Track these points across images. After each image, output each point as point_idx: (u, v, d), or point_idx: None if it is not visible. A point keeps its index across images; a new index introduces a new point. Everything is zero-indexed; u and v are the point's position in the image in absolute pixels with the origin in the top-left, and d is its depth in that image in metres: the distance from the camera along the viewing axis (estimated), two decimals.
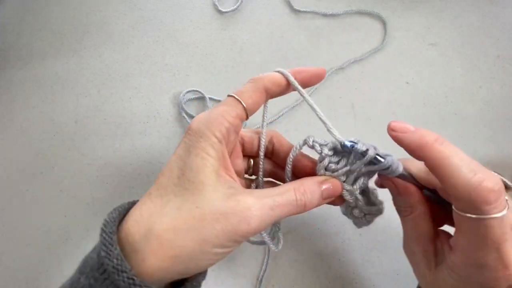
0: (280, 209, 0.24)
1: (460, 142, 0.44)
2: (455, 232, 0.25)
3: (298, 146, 0.28)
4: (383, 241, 0.39)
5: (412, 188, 0.27)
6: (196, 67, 0.50)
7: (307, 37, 0.52)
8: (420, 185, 0.27)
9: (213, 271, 0.38)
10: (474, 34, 0.52)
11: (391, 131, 0.25)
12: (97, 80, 0.49)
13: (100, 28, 0.54)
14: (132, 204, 0.26)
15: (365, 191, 0.28)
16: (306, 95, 0.28)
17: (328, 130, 0.27)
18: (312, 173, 0.28)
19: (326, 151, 0.27)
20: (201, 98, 0.48)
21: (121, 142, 0.45)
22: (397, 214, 0.41)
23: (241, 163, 0.31)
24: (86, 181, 0.43)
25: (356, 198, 0.28)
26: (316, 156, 0.28)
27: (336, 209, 0.41)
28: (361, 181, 0.27)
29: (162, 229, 0.23)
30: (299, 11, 0.54)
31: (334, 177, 0.27)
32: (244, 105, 0.26)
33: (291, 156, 0.28)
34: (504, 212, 0.21)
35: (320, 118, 0.27)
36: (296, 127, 0.46)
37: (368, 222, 0.31)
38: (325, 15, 0.54)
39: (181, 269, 0.23)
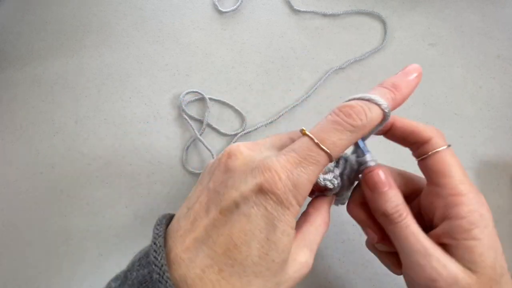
0: (318, 245, 0.26)
1: (460, 142, 0.44)
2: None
3: None
4: None
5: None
6: (196, 67, 0.50)
7: (307, 37, 0.52)
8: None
9: None
10: (474, 34, 0.52)
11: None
12: (97, 80, 0.49)
13: (100, 28, 0.54)
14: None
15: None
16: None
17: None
18: None
19: (329, 179, 0.27)
20: (201, 99, 0.48)
21: (121, 142, 0.45)
22: None
23: None
24: (86, 181, 0.43)
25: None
26: None
27: (336, 209, 0.41)
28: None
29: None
30: (299, 11, 0.54)
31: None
32: (331, 155, 0.22)
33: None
34: (446, 146, 0.26)
35: None
36: (296, 127, 0.46)
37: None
38: (325, 15, 0.54)
39: None
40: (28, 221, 0.41)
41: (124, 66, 0.50)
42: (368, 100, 0.23)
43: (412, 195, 0.29)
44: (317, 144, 0.21)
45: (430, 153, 0.26)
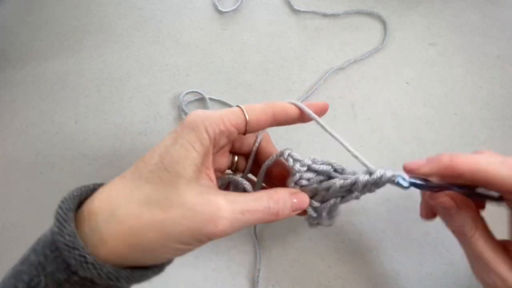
0: (251, 214, 0.24)
1: (460, 142, 0.44)
2: None
3: (274, 157, 0.29)
4: (383, 241, 0.39)
5: (468, 199, 0.26)
6: (196, 67, 0.50)
7: (307, 37, 0.52)
8: (447, 186, 0.26)
9: (213, 271, 0.38)
10: (474, 34, 0.52)
11: (408, 172, 0.26)
12: (97, 80, 0.49)
13: (100, 28, 0.54)
14: (99, 185, 0.26)
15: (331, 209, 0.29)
16: (321, 122, 0.29)
17: (362, 163, 0.27)
18: (283, 181, 0.29)
19: (297, 166, 0.28)
20: (201, 99, 0.48)
21: (121, 142, 0.45)
22: (395, 214, 0.41)
23: (226, 161, 0.31)
24: (86, 181, 0.43)
25: (319, 216, 0.29)
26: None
27: None
28: (331, 201, 0.28)
29: (126, 214, 0.22)
30: (299, 11, 0.54)
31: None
32: (247, 118, 0.26)
33: (265, 164, 0.29)
34: None
35: (347, 149, 0.27)
36: (296, 127, 0.46)
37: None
38: (325, 15, 0.54)
39: (137, 258, 0.23)
40: (28, 221, 0.41)
41: (124, 66, 0.50)
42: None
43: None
44: (238, 106, 0.26)
45: None
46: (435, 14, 0.54)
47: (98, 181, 0.43)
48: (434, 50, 0.51)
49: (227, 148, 0.30)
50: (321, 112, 0.30)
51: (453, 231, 0.26)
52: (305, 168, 0.28)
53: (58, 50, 0.52)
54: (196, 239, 0.23)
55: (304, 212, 0.29)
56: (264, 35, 0.53)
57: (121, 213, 0.22)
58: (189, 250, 0.24)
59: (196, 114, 0.25)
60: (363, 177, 0.26)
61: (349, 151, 0.27)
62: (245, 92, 0.48)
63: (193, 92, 0.48)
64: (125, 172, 0.25)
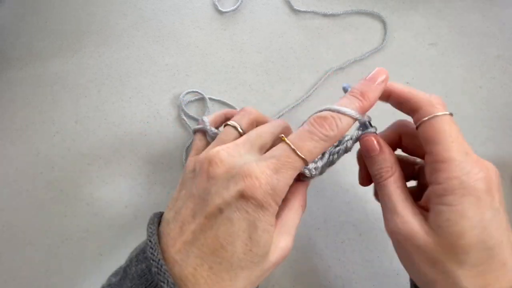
0: (296, 227, 0.27)
1: None
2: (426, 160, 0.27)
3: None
4: (383, 241, 0.39)
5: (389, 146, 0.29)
6: (196, 67, 0.50)
7: (307, 37, 0.52)
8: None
9: None
10: (474, 34, 0.52)
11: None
12: (97, 80, 0.49)
13: (100, 28, 0.54)
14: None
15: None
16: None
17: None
18: None
19: None
20: (201, 99, 0.48)
21: (121, 142, 0.45)
22: None
23: None
24: (86, 181, 0.43)
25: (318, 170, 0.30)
26: None
27: (336, 209, 0.41)
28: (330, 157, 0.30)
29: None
30: (299, 11, 0.54)
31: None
32: (301, 155, 0.24)
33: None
34: (447, 112, 0.26)
35: None
36: (297, 127, 0.46)
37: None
38: (325, 15, 0.54)
39: None
40: (28, 221, 0.41)
41: (124, 66, 0.50)
42: (337, 111, 0.25)
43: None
44: (294, 151, 0.24)
45: (423, 119, 0.26)
46: (435, 14, 0.54)
47: (98, 182, 0.43)
48: (434, 50, 0.51)
49: None
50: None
51: (373, 176, 0.28)
52: None
53: (58, 50, 0.52)
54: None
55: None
56: (264, 35, 0.53)
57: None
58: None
59: (264, 189, 0.23)
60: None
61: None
62: (245, 92, 0.48)
63: (193, 92, 0.48)
64: (207, 261, 0.23)
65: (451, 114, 0.26)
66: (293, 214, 0.27)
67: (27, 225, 0.41)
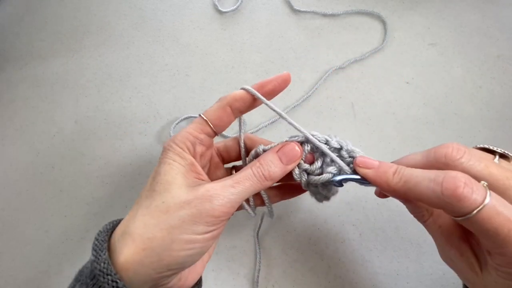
0: (241, 184, 0.27)
1: (460, 142, 0.44)
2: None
3: (252, 154, 0.31)
4: (383, 241, 0.39)
5: None
6: (196, 67, 0.50)
7: (307, 37, 0.52)
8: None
9: (213, 271, 0.38)
10: (474, 34, 0.52)
11: (357, 166, 0.28)
12: (97, 80, 0.49)
13: (100, 28, 0.54)
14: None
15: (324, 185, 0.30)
16: (271, 105, 0.30)
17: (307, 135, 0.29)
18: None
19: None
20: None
21: (121, 142, 0.45)
22: (395, 214, 0.41)
23: (222, 173, 0.34)
24: (86, 181, 0.43)
25: (307, 182, 0.30)
26: None
27: (336, 209, 0.41)
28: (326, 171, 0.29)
29: (134, 226, 0.25)
30: (299, 11, 0.54)
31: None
32: (209, 123, 0.29)
33: (248, 160, 0.32)
34: (487, 199, 0.20)
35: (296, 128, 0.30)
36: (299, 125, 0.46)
37: (325, 198, 0.33)
38: (325, 15, 0.54)
39: (155, 261, 0.24)
40: (28, 221, 0.41)
41: (124, 66, 0.50)
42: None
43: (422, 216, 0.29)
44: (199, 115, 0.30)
45: (467, 216, 0.21)
46: (435, 14, 0.54)
47: (98, 182, 0.43)
48: (434, 50, 0.51)
49: (216, 160, 0.33)
50: (283, 83, 0.31)
51: (414, 216, 0.28)
52: None
53: (58, 50, 0.52)
54: (200, 223, 0.25)
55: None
56: (264, 35, 0.53)
57: (130, 227, 0.25)
58: (205, 239, 0.26)
59: (168, 139, 0.30)
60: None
61: (298, 129, 0.29)
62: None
63: (186, 118, 0.46)
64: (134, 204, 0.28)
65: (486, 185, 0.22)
66: (234, 174, 0.28)
67: (27, 225, 0.41)
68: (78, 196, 0.42)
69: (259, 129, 0.45)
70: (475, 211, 0.20)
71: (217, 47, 0.52)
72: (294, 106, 0.46)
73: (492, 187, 0.22)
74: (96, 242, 0.25)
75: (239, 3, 0.54)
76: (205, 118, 0.29)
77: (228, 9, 0.54)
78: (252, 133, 0.45)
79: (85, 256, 0.39)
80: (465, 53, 0.50)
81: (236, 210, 0.31)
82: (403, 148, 0.43)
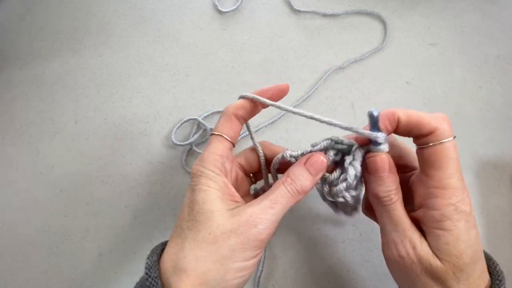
0: (278, 204, 0.27)
1: (460, 142, 0.44)
2: (418, 185, 0.27)
3: (277, 159, 0.31)
4: None
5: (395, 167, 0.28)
6: (196, 67, 0.50)
7: (307, 37, 0.52)
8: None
9: None
10: (474, 34, 0.52)
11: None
12: (97, 80, 0.49)
13: (100, 28, 0.54)
14: (164, 244, 0.28)
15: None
16: (278, 104, 0.30)
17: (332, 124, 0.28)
18: None
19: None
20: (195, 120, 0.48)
21: (121, 142, 0.45)
22: None
23: (247, 185, 0.34)
24: (86, 181, 0.43)
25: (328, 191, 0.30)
26: None
27: None
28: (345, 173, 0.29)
29: (185, 261, 0.25)
30: (299, 11, 0.54)
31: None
32: (225, 137, 0.30)
33: (272, 167, 0.32)
34: (450, 138, 0.26)
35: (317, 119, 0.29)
36: (296, 127, 0.46)
37: (349, 212, 0.33)
38: (325, 15, 0.54)
39: None
40: (28, 221, 0.41)
41: (124, 66, 0.50)
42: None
43: (405, 168, 0.31)
44: (213, 134, 0.31)
45: (431, 144, 0.26)
46: (435, 14, 0.54)
47: (98, 182, 0.43)
48: (434, 50, 0.51)
49: (241, 175, 0.33)
50: (282, 93, 0.32)
51: (380, 197, 0.28)
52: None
53: (58, 50, 0.52)
54: (249, 249, 0.26)
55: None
56: (264, 35, 0.53)
57: (182, 262, 0.25)
58: (253, 264, 0.27)
59: (196, 164, 0.29)
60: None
61: (335, 124, 0.28)
62: (245, 92, 0.48)
63: (186, 121, 0.46)
64: (172, 234, 0.28)
65: (454, 137, 0.26)
66: (267, 192, 0.28)
67: (27, 225, 0.41)
68: (78, 196, 0.42)
69: (259, 129, 0.45)
70: (449, 139, 0.25)
71: (217, 47, 0.52)
72: (294, 106, 0.46)
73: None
74: (150, 280, 0.25)
75: (239, 3, 0.54)
76: (219, 134, 0.30)
77: (228, 9, 0.54)
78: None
79: (85, 256, 0.39)
80: (465, 53, 0.50)
81: None
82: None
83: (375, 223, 0.40)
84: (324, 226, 0.40)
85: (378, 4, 0.54)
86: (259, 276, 0.37)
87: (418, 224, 0.27)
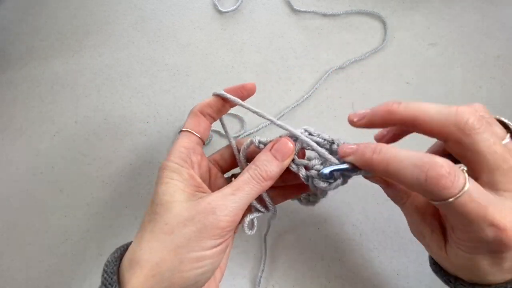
0: (241, 190, 0.26)
1: None
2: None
3: (245, 146, 0.31)
4: (383, 241, 0.39)
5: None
6: (196, 67, 0.50)
7: (307, 37, 0.52)
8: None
9: None
10: (474, 34, 0.52)
11: (339, 155, 0.28)
12: (97, 80, 0.49)
13: (100, 28, 0.54)
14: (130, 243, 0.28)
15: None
16: (244, 104, 0.31)
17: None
18: None
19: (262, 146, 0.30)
20: None
21: (121, 142, 0.45)
22: (395, 214, 0.41)
23: (223, 183, 0.33)
24: (86, 181, 0.43)
25: (307, 175, 0.29)
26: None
27: (336, 209, 0.41)
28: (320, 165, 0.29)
29: (140, 253, 0.25)
30: (299, 11, 0.54)
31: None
32: (192, 131, 0.30)
33: (241, 151, 0.31)
34: (466, 187, 0.21)
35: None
36: (296, 127, 0.46)
37: (312, 202, 0.34)
38: (325, 15, 0.54)
39: (166, 287, 0.24)
40: (28, 221, 0.41)
41: (124, 66, 0.50)
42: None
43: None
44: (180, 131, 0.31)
45: (445, 202, 0.22)
46: (435, 14, 0.54)
47: (98, 182, 0.43)
48: (434, 50, 0.51)
49: (215, 171, 0.33)
50: (247, 92, 0.33)
51: (392, 200, 0.30)
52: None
53: (58, 50, 0.52)
54: (207, 237, 0.24)
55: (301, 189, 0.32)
56: (264, 35, 0.53)
57: (137, 254, 0.25)
58: (214, 254, 0.25)
59: (163, 161, 0.29)
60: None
61: (276, 124, 0.29)
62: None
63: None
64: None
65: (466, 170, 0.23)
66: (232, 181, 0.28)
67: (27, 225, 0.41)
68: (78, 196, 0.42)
69: (259, 129, 0.45)
70: (452, 199, 0.21)
71: (217, 47, 0.52)
72: (294, 106, 0.46)
73: (487, 165, 0.23)
74: (106, 276, 0.24)
75: (239, 3, 0.54)
76: (186, 129, 0.30)
77: (228, 9, 0.54)
78: (252, 133, 0.45)
79: (85, 256, 0.39)
80: (465, 53, 0.50)
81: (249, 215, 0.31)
82: (403, 148, 0.43)
83: (375, 223, 0.40)
84: (324, 226, 0.40)
85: (378, 4, 0.54)
86: (260, 276, 0.37)
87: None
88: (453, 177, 0.21)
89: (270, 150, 0.28)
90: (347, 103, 0.47)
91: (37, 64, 0.51)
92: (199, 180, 0.29)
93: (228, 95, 0.31)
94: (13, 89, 0.49)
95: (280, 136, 0.30)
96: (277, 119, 0.45)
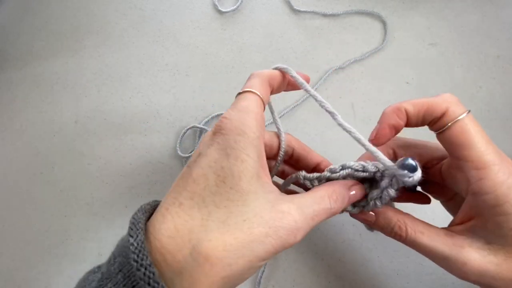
0: (318, 218, 0.24)
1: None
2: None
3: (291, 178, 0.29)
4: (383, 241, 0.39)
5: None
6: (196, 67, 0.50)
7: (307, 37, 0.52)
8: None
9: None
10: (474, 34, 0.52)
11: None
12: (97, 80, 0.49)
13: (100, 28, 0.54)
14: (157, 205, 0.23)
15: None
16: (311, 90, 0.27)
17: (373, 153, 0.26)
18: None
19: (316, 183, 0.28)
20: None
21: (121, 142, 0.45)
22: None
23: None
24: (86, 181, 0.43)
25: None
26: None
27: None
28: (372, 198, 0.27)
29: (210, 247, 0.20)
30: (299, 11, 0.54)
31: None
32: (261, 97, 0.25)
33: (285, 182, 0.30)
34: (463, 115, 0.24)
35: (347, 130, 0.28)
36: (296, 127, 0.46)
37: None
38: (325, 15, 0.54)
39: None
40: (28, 221, 0.41)
41: (124, 66, 0.50)
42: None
43: (429, 163, 0.29)
44: (246, 91, 0.25)
45: (448, 124, 0.24)
46: (435, 14, 0.54)
47: (98, 182, 0.43)
48: (434, 50, 0.51)
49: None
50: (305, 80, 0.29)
51: (391, 237, 0.27)
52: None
53: (58, 50, 0.52)
54: (276, 253, 0.22)
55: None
56: (264, 35, 0.53)
57: (205, 246, 0.20)
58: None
59: (231, 117, 0.23)
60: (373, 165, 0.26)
61: (362, 144, 0.26)
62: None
63: (192, 128, 0.46)
64: (180, 199, 0.22)
65: (469, 111, 0.24)
66: (311, 198, 0.24)
67: (27, 225, 0.41)
68: (78, 196, 0.42)
69: (282, 115, 0.45)
70: (463, 115, 0.24)
71: (217, 47, 0.52)
72: (294, 106, 0.46)
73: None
74: (136, 251, 0.20)
75: (239, 3, 0.54)
76: (256, 93, 0.24)
77: (228, 9, 0.54)
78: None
79: (85, 256, 0.39)
80: (465, 53, 0.50)
81: None
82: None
83: None
84: (324, 226, 0.40)
85: (378, 4, 0.54)
86: (260, 277, 0.37)
87: (469, 217, 0.25)
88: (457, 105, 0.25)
89: (350, 188, 0.26)
90: (347, 103, 0.47)
91: (37, 64, 0.51)
92: (266, 161, 0.24)
93: (294, 73, 0.27)
94: (13, 89, 0.49)
95: (329, 177, 0.27)
96: (287, 112, 0.46)
